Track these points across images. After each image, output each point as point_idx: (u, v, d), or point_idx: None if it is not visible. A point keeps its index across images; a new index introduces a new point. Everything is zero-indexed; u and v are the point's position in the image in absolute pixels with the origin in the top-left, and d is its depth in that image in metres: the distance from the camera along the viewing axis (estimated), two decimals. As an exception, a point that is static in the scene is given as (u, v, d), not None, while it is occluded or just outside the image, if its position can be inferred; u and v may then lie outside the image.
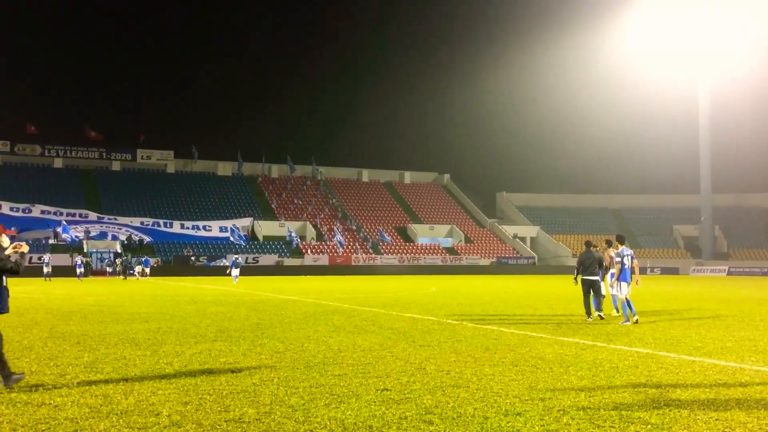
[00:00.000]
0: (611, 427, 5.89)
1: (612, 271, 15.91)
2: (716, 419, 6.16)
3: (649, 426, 5.92)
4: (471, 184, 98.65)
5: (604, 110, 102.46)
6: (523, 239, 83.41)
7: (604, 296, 16.42)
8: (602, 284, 16.30)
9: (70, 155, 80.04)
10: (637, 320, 14.97)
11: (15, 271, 7.78)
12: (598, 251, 16.56)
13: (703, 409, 6.56)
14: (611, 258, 16.01)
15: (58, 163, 79.40)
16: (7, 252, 7.82)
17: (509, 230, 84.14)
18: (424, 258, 72.98)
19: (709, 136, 78.86)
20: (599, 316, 15.76)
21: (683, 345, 11.40)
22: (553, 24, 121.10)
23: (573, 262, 77.06)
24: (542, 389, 7.52)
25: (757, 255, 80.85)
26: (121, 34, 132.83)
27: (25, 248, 8.00)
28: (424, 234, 79.68)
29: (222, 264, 60.17)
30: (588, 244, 16.85)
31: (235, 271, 41.00)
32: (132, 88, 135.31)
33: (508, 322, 15.39)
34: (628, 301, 15.06)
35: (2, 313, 7.88)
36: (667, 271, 74.94)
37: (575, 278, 16.55)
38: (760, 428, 5.85)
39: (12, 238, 8.11)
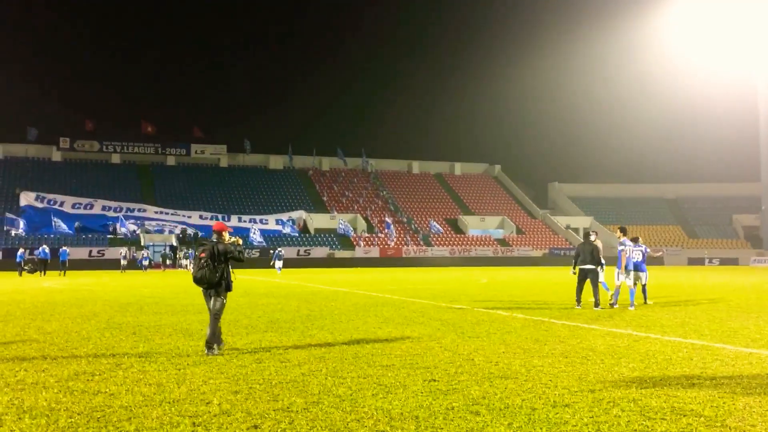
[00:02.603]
0: (662, 419, 5.78)
1: (602, 261, 16.92)
2: (773, 412, 5.99)
3: (701, 419, 5.79)
4: (522, 175, 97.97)
5: (659, 98, 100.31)
6: (575, 230, 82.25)
7: (603, 283, 17.21)
8: (600, 273, 16.86)
9: (127, 151, 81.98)
10: (633, 307, 16.11)
11: (239, 260, 9.70)
12: (595, 242, 16.93)
13: (759, 401, 6.38)
14: (601, 248, 16.99)
15: (115, 158, 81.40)
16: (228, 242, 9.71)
17: (561, 221, 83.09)
18: (475, 249, 72.62)
19: (769, 121, 76.46)
20: (595, 302, 16.16)
21: (740, 337, 11.11)
22: (607, 11, 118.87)
23: (628, 252, 75.75)
24: (592, 381, 7.42)
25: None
26: (174, 32, 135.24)
27: (240, 241, 10.03)
28: (475, 225, 79.25)
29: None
30: (587, 234, 17.41)
31: (279, 263, 41.65)
32: (186, 83, 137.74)
33: (559, 313, 15.22)
34: (633, 290, 16.46)
35: (228, 291, 9.71)
36: (726, 261, 73.07)
37: (573, 268, 16.91)
38: (819, 422, 5.66)
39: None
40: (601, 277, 17.03)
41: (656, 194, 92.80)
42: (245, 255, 9.91)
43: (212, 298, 9.61)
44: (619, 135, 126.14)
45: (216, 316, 9.51)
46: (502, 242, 76.16)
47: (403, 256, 68.81)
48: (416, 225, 77.62)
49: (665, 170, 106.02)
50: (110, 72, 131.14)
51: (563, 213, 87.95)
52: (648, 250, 18.00)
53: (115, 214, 67.98)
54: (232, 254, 9.60)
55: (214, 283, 9.50)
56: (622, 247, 17.09)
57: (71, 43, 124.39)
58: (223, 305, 9.65)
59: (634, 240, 17.58)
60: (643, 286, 17.55)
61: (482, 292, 23.37)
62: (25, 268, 44.45)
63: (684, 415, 5.90)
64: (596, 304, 16.11)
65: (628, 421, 5.71)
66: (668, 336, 11.17)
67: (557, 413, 6.01)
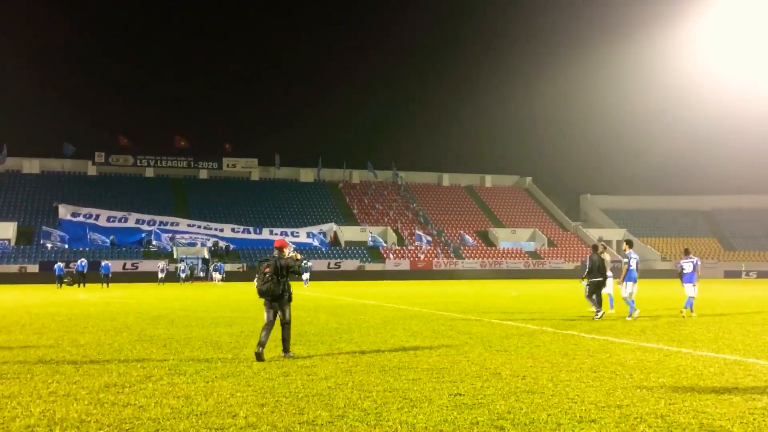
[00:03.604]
0: (690, 435, 5.71)
1: (609, 273, 17.98)
2: (805, 430, 5.88)
3: (730, 435, 5.71)
4: (553, 187, 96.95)
5: (693, 109, 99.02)
6: (608, 242, 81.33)
7: (610, 294, 18.31)
8: (608, 283, 17.91)
9: (160, 165, 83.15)
10: (637, 316, 16.78)
11: (299, 273, 10.86)
12: (602, 254, 17.88)
13: (792, 418, 6.27)
14: (607, 260, 17.85)
15: (149, 172, 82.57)
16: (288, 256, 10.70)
17: (594, 233, 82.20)
18: (506, 262, 72.17)
19: (807, 132, 75.06)
20: (597, 311, 16.91)
21: (775, 352, 10.90)
22: (638, 23, 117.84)
23: (662, 266, 74.73)
24: (620, 396, 7.34)
25: None
26: (205, 48, 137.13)
27: (299, 256, 11.07)
28: (506, 238, 78.79)
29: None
30: (594, 248, 18.33)
31: (306, 275, 41.84)
32: (217, 98, 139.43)
33: (589, 327, 15.07)
34: (631, 300, 16.95)
35: (290, 302, 10.57)
36: (763, 274, 71.63)
37: (583, 279, 17.82)
38: None
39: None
40: (607, 289, 17.92)
41: (691, 206, 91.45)
42: (303, 269, 10.75)
43: (279, 310, 10.47)
44: (652, 146, 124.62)
45: (288, 324, 10.53)
46: (534, 255, 75.61)
47: (434, 268, 68.64)
48: (447, 237, 77.44)
49: (700, 182, 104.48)
50: (143, 88, 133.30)
51: (596, 225, 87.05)
52: (699, 262, 18.28)
53: (149, 228, 68.95)
54: (293, 268, 10.53)
55: (277, 295, 10.36)
56: (626, 260, 17.51)
57: (105, 61, 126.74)
58: (291, 314, 10.65)
59: (686, 252, 18.51)
60: (690, 298, 17.78)
61: (512, 305, 23.23)
62: (65, 280, 45.39)
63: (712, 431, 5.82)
64: (598, 312, 16.87)
65: (655, 438, 5.65)
66: (700, 351, 11.01)
67: (583, 429, 5.97)
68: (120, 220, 70.17)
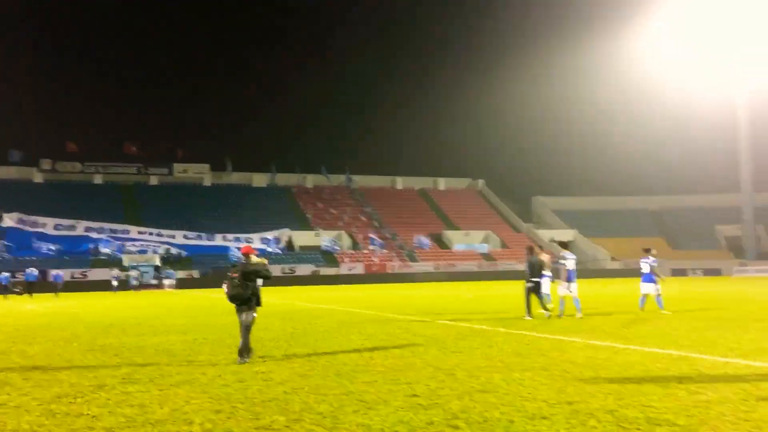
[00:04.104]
0: (637, 429, 5.89)
1: (546, 273, 18.51)
2: (745, 420, 6.13)
3: (675, 428, 5.91)
4: (506, 189, 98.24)
5: (640, 111, 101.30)
6: (560, 243, 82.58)
7: (548, 294, 18.64)
8: (545, 285, 18.38)
9: (109, 171, 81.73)
10: (581, 316, 17.23)
11: (267, 277, 11.06)
12: (538, 256, 18.53)
13: (733, 411, 6.51)
14: (547, 262, 18.65)
15: (97, 179, 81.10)
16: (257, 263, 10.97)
17: (546, 234, 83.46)
18: (460, 265, 72.77)
19: (748, 133, 77.46)
20: (546, 313, 17.43)
21: (718, 346, 11.27)
22: (587, 26, 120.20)
23: (613, 265, 76.24)
24: (571, 393, 7.52)
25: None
26: (155, 53, 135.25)
27: (266, 261, 11.37)
28: (459, 240, 79.46)
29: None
30: (529, 249, 18.95)
31: (258, 281, 41.53)
32: (167, 104, 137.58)
33: (542, 327, 15.34)
34: (576, 299, 17.60)
35: (258, 306, 10.89)
36: (709, 272, 73.63)
37: (527, 281, 18.03)
38: (790, 429, 5.79)
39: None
40: (545, 289, 18.46)
41: (640, 206, 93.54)
42: (271, 273, 11.31)
43: (244, 313, 10.69)
44: (602, 148, 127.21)
45: (248, 328, 10.66)
46: (487, 257, 76.39)
47: (388, 272, 68.82)
48: (401, 241, 77.73)
49: (648, 182, 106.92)
50: (92, 93, 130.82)
51: (547, 226, 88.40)
52: (656, 262, 18.95)
53: (98, 236, 67.67)
54: (261, 273, 10.90)
55: (245, 299, 10.69)
56: (563, 261, 18.05)
57: (52, 64, 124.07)
58: (254, 319, 10.81)
59: (646, 251, 19.27)
60: (645, 296, 18.72)
61: (466, 307, 23.47)
62: (16, 290, 44.34)
63: (658, 425, 6.01)
64: (546, 311, 17.43)
65: (604, 432, 5.82)
66: (648, 347, 11.31)
67: (535, 425, 6.11)
68: (68, 228, 68.73)
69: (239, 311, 10.83)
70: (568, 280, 17.74)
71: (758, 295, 27.88)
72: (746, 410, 6.51)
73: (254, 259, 11.08)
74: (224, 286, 10.97)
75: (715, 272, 73.81)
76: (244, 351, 10.60)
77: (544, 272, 18.42)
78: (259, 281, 11.27)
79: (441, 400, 7.30)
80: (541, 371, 9.04)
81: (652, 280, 18.60)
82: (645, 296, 18.79)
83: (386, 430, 6.06)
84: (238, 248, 66.36)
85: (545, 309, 17.52)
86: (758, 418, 6.20)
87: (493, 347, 11.70)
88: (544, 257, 19.03)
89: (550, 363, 9.74)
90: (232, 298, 10.73)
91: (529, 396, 7.41)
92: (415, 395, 7.58)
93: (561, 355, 10.57)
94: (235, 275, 10.71)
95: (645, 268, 18.74)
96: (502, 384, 8.16)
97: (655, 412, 6.51)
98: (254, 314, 10.79)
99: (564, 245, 18.80)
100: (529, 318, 17.28)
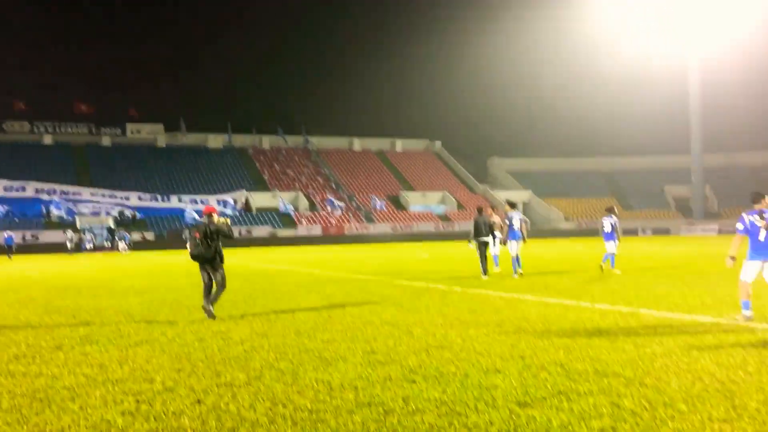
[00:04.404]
0: (586, 380, 6.16)
1: (497, 233, 19.10)
2: (687, 370, 6.44)
3: (621, 378, 6.19)
4: (462, 151, 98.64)
5: (594, 74, 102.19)
6: (508, 203, 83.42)
7: (496, 254, 19.56)
8: (493, 244, 18.96)
9: (60, 131, 79.72)
10: (521, 274, 17.88)
11: (229, 236, 11.19)
12: (488, 216, 18.89)
13: (676, 362, 6.83)
14: (498, 221, 19.25)
15: (47, 139, 79.05)
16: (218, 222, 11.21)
17: (501, 195, 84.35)
18: (417, 225, 73.30)
19: (699, 95, 78.92)
20: (496, 270, 18.57)
21: (665, 302, 11.70)
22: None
23: (566, 225, 77.66)
24: (523, 348, 7.79)
25: None
26: (107, 8, 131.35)
27: (228, 221, 11.56)
28: (416, 201, 79.87)
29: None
30: (479, 210, 19.00)
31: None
32: (120, 62, 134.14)
33: (496, 285, 15.68)
34: (516, 258, 18.10)
35: (222, 263, 11.13)
36: (658, 231, 75.47)
37: (469, 241, 18.50)
38: (728, 378, 6.12)
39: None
40: (495, 250, 19.09)
41: (592, 167, 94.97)
42: (233, 232, 11.58)
43: (212, 272, 11.05)
44: (557, 110, 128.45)
45: (221, 285, 11.13)
46: (444, 217, 77.04)
47: (346, 233, 69.00)
48: (358, 202, 77.85)
49: (601, 144, 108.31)
50: (41, 50, 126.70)
51: (503, 187, 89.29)
52: (617, 221, 19.32)
53: (49, 197, 66.24)
54: (223, 232, 11.14)
55: (209, 258, 10.98)
56: (508, 221, 18.50)
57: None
58: (224, 275, 11.22)
59: (609, 210, 19.59)
60: (611, 254, 18.86)
61: (423, 267, 23.79)
62: None
63: (606, 376, 6.29)
64: (485, 273, 17.76)
65: (554, 384, 6.07)
66: (598, 304, 11.69)
67: (488, 378, 6.34)
68: (17, 190, 67.08)
69: (203, 271, 11.09)
70: (512, 238, 18.29)
71: (703, 254, 28.79)
72: (688, 361, 6.84)
73: (217, 218, 11.30)
74: (188, 245, 11.20)
75: (664, 231, 75.70)
76: (208, 308, 10.95)
77: (495, 233, 18.89)
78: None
79: (398, 356, 7.50)
80: (495, 328, 9.30)
81: (613, 239, 18.89)
82: (612, 254, 18.91)
83: (346, 386, 6.22)
84: (196, 210, 65.94)
85: (484, 270, 17.92)
86: (699, 368, 6.52)
87: (449, 306, 11.96)
88: (495, 218, 19.34)
89: (503, 320, 10.02)
90: (195, 257, 11.00)
91: (483, 351, 7.65)
92: (373, 352, 7.77)
93: (514, 312, 10.87)
94: (197, 234, 10.98)
95: (607, 227, 19.04)
96: (458, 340, 8.40)
97: (603, 364, 6.80)
98: (223, 271, 11.14)
99: (512, 205, 19.10)
100: (485, 277, 17.67)
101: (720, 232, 72.70)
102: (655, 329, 8.92)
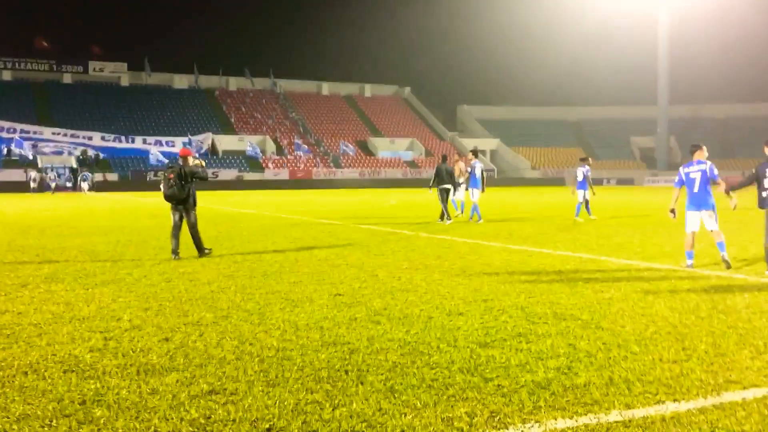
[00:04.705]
0: (545, 323, 6.36)
1: (460, 180, 19.47)
2: (642, 315, 6.68)
3: (579, 321, 6.41)
4: (431, 98, 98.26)
5: (563, 24, 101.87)
6: (483, 152, 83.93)
7: (461, 200, 20.23)
8: (456, 191, 19.51)
9: (19, 67, 77.44)
10: (481, 221, 18.35)
11: (204, 178, 11.52)
12: (448, 164, 19.14)
13: (632, 306, 7.08)
14: (461, 169, 19.48)
15: (6, 75, 76.83)
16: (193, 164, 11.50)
17: (469, 143, 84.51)
18: (385, 171, 73.30)
19: (666, 47, 79.22)
20: (458, 215, 19.11)
21: (625, 250, 12.00)
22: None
23: (532, 174, 78.33)
24: (486, 292, 7.98)
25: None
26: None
27: (203, 163, 12.07)
28: (384, 147, 79.72)
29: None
30: (443, 158, 19.47)
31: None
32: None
33: (461, 231, 15.89)
34: (475, 205, 18.80)
35: (195, 206, 11.42)
36: (622, 182, 76.54)
37: (430, 187, 19.30)
38: (680, 322, 6.36)
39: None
40: (458, 195, 19.70)
41: (560, 117, 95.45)
42: (208, 174, 11.87)
43: (185, 214, 11.25)
44: (526, 59, 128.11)
45: (194, 227, 11.35)
46: (412, 164, 77.11)
47: (313, 178, 68.80)
48: (326, 147, 77.43)
49: (569, 94, 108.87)
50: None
51: (471, 135, 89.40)
52: (589, 171, 19.69)
53: (9, 135, 64.69)
54: (198, 174, 11.36)
55: (182, 199, 11.15)
56: (470, 169, 19.13)
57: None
58: (196, 217, 11.46)
59: (583, 160, 20.07)
60: (586, 202, 19.52)
61: (390, 213, 23.94)
62: None
63: (564, 319, 6.51)
64: (446, 217, 18.38)
65: (514, 326, 6.26)
66: (560, 251, 11.95)
67: (451, 320, 6.51)
68: (-25, 127, 65.40)
69: (174, 211, 11.26)
70: (474, 186, 18.89)
71: (665, 204, 29.30)
72: (644, 306, 7.09)
73: (191, 161, 11.50)
74: (161, 186, 11.27)
75: (628, 182, 76.81)
76: (201, 248, 11.39)
77: (459, 180, 19.33)
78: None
79: (364, 298, 7.64)
80: (459, 272, 9.49)
81: (584, 188, 19.31)
82: (582, 203, 19.44)
83: (311, 326, 6.35)
84: (162, 152, 65.04)
85: (446, 216, 18.41)
86: (654, 312, 6.77)
87: (415, 251, 12.13)
88: (461, 165, 19.60)
89: (468, 265, 10.22)
90: (168, 197, 11.14)
91: (447, 294, 7.83)
92: (339, 294, 7.90)
93: (479, 258, 11.08)
94: (171, 176, 11.08)
95: (580, 176, 19.46)
96: (422, 284, 8.57)
97: (562, 308, 7.02)
98: (195, 213, 11.39)
99: (475, 154, 19.66)
100: (448, 221, 18.17)
101: (682, 183, 73.92)
102: (613, 276, 9.18)
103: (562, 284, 8.46)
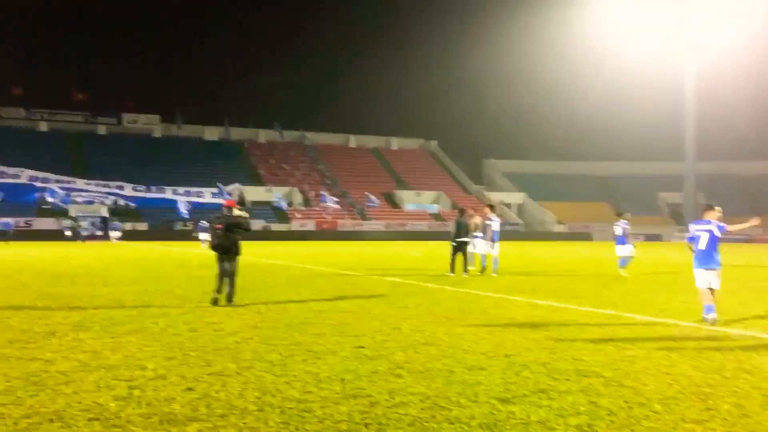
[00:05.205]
0: (567, 380, 6.34)
1: (479, 234, 19.48)
2: (665, 373, 6.63)
3: (602, 379, 6.37)
4: (458, 151, 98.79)
5: (591, 78, 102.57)
6: (509, 206, 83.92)
7: (483, 254, 19.76)
8: (477, 243, 19.54)
9: (55, 119, 79.54)
10: (495, 274, 18.49)
11: (248, 230, 12.06)
12: (466, 218, 19.41)
13: (656, 364, 7.02)
14: (477, 223, 19.65)
15: (43, 126, 78.90)
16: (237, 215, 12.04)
17: (495, 197, 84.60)
18: (411, 224, 73.46)
19: (694, 103, 79.21)
20: (465, 273, 18.51)
21: (650, 307, 11.90)
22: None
23: (559, 228, 77.95)
24: (508, 347, 7.96)
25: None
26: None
27: (247, 214, 12.56)
28: (410, 200, 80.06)
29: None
30: (460, 212, 19.97)
31: (203, 235, 41.31)
32: (118, 51, 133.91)
33: (486, 286, 15.86)
34: (495, 259, 18.98)
35: (238, 255, 11.88)
36: (650, 237, 75.68)
37: (453, 241, 18.95)
38: (704, 381, 6.30)
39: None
40: (479, 248, 19.58)
41: (587, 171, 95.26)
42: (251, 225, 12.48)
43: (228, 262, 11.74)
44: (553, 113, 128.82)
45: (233, 275, 11.82)
46: (437, 217, 77.23)
47: (339, 229, 69.11)
48: (352, 198, 77.96)
49: (595, 148, 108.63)
50: (39, 37, 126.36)
51: (497, 189, 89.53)
52: (628, 226, 19.87)
53: (44, 185, 66.11)
54: (242, 225, 11.95)
55: (227, 248, 11.71)
56: (489, 222, 19.22)
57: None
58: (237, 266, 11.96)
59: (619, 215, 20.36)
60: (624, 258, 19.53)
61: (415, 265, 23.95)
62: None
63: (586, 376, 6.47)
64: (465, 271, 18.51)
65: (536, 382, 6.25)
66: (584, 306, 11.89)
67: (473, 375, 6.51)
68: (12, 177, 66.90)
69: (220, 260, 11.78)
70: (492, 240, 19.01)
71: (691, 261, 28.95)
72: (668, 364, 7.03)
73: (237, 212, 12.08)
74: (209, 236, 11.95)
75: (656, 237, 76.01)
76: (232, 295, 11.79)
77: (476, 234, 19.45)
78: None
79: (386, 351, 7.67)
80: (482, 327, 9.48)
81: (624, 243, 19.39)
82: (624, 258, 19.46)
83: (333, 378, 6.39)
84: (189, 202, 65.90)
85: (466, 270, 18.58)
86: (677, 372, 6.71)
87: (438, 304, 12.14)
88: (477, 219, 19.86)
89: (491, 319, 10.20)
90: (215, 247, 11.77)
91: (469, 349, 7.83)
92: (361, 347, 7.93)
93: (502, 312, 11.06)
94: (219, 226, 11.69)
95: (618, 231, 19.57)
96: (445, 338, 8.57)
97: (584, 365, 6.99)
98: (237, 263, 11.86)
99: (492, 208, 19.91)
100: (451, 274, 18.46)
101: (711, 239, 72.99)
102: (638, 333, 9.11)
103: (585, 341, 8.41)
